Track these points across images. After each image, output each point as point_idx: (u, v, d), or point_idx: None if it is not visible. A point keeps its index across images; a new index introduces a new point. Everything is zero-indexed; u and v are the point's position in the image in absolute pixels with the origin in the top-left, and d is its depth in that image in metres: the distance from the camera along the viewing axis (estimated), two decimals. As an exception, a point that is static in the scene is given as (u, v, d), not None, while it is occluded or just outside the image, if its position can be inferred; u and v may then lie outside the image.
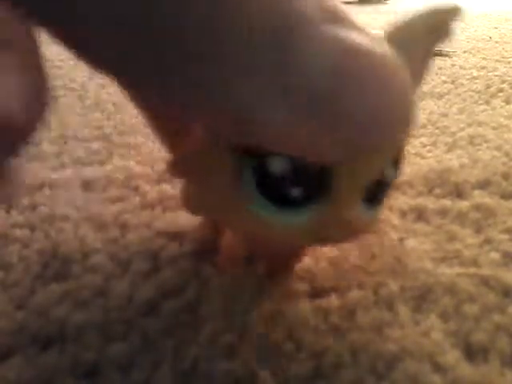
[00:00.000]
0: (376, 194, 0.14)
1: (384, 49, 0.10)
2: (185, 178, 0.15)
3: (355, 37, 0.09)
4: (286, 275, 0.18)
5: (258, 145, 0.11)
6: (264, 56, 0.09)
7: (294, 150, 0.11)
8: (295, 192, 0.13)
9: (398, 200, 0.22)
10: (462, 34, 0.60)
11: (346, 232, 0.14)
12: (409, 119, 0.11)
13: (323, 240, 0.15)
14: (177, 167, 0.14)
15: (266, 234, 0.14)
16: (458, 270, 0.18)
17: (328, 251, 0.19)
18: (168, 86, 0.09)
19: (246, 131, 0.10)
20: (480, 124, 0.31)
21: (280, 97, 0.09)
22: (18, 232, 0.20)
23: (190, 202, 0.15)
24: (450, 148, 0.28)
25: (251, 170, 0.13)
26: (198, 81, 0.09)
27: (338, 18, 0.10)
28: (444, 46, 0.52)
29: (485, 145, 0.28)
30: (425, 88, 0.38)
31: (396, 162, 0.14)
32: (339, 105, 0.09)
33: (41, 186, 0.24)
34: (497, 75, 0.42)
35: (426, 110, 0.34)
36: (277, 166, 0.12)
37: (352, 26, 0.10)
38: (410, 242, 0.19)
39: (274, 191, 0.13)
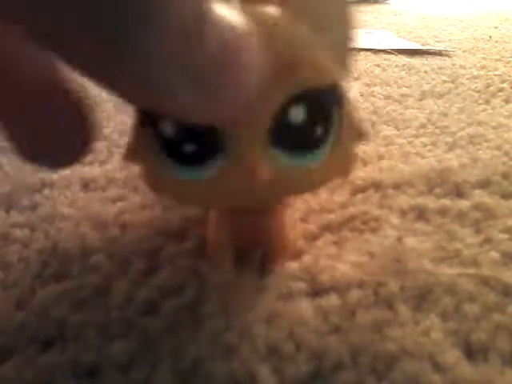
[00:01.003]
0: (291, 137, 0.14)
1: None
2: (131, 161, 0.16)
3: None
4: (281, 254, 0.18)
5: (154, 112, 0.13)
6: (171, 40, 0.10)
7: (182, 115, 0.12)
8: (188, 148, 0.14)
9: (397, 199, 0.22)
10: (462, 33, 0.60)
11: (252, 181, 0.14)
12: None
13: (235, 196, 0.15)
14: (127, 154, 0.16)
15: (185, 198, 0.16)
16: (457, 269, 0.18)
17: (327, 250, 0.19)
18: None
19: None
20: (480, 123, 0.31)
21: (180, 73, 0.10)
22: (18, 232, 0.20)
23: (146, 183, 0.16)
24: (450, 147, 0.28)
25: (155, 138, 0.14)
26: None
27: None
28: (444, 46, 0.52)
29: (485, 144, 0.28)
30: (425, 87, 0.38)
31: (304, 101, 0.14)
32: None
33: (41, 186, 0.24)
34: (497, 75, 0.41)
35: (426, 109, 0.34)
36: (168, 129, 0.14)
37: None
38: (410, 242, 0.19)
39: (173, 152, 0.14)
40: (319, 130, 0.15)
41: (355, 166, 0.16)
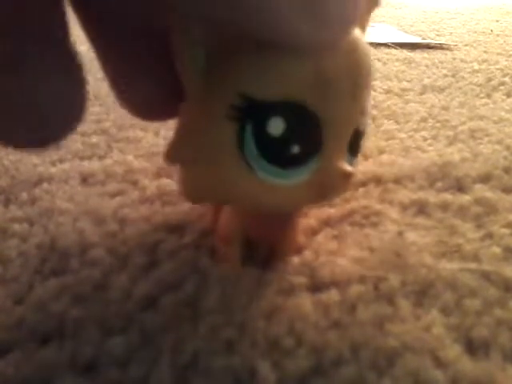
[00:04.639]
0: (353, 143, 0.15)
1: None
2: (181, 162, 0.15)
3: None
4: (286, 251, 0.18)
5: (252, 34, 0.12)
6: None
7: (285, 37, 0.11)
8: (295, 149, 0.13)
9: (398, 194, 0.22)
10: (463, 27, 0.60)
11: (341, 184, 0.15)
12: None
13: (324, 196, 0.15)
14: (173, 151, 0.14)
15: (273, 201, 0.14)
16: (458, 264, 0.18)
17: (327, 245, 0.19)
18: None
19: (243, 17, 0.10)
20: (481, 118, 0.31)
21: None
22: (16, 226, 0.20)
23: (190, 190, 0.15)
24: (451, 142, 0.28)
25: (250, 136, 0.13)
26: None
27: None
28: (445, 40, 0.52)
29: (486, 139, 0.28)
30: (425, 81, 0.38)
31: (364, 114, 0.15)
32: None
33: (39, 181, 0.23)
34: (498, 68, 0.41)
35: (426, 103, 0.34)
36: (276, 126, 0.13)
37: None
38: (411, 236, 0.19)
39: (276, 152, 0.13)
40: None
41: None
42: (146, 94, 0.14)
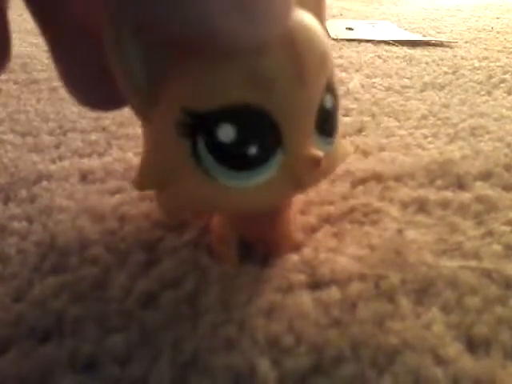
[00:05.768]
0: (324, 123, 0.15)
1: None
2: (150, 188, 0.15)
3: None
4: (282, 247, 0.18)
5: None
6: None
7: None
8: (252, 151, 0.13)
9: (398, 191, 0.22)
10: (463, 24, 0.60)
11: (315, 170, 0.14)
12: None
13: (301, 185, 0.15)
14: (140, 179, 0.15)
15: (249, 204, 0.14)
16: (459, 262, 0.18)
17: (327, 242, 0.19)
18: None
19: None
20: (482, 115, 0.31)
21: None
22: (15, 224, 0.20)
23: (168, 209, 0.15)
24: (452, 139, 0.28)
25: (204, 146, 0.13)
26: None
27: None
28: (445, 37, 0.52)
29: (487, 136, 0.28)
30: (426, 79, 0.38)
31: (330, 90, 0.15)
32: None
33: (39, 178, 0.23)
34: (499, 66, 0.41)
35: (427, 100, 0.34)
36: (226, 132, 0.13)
37: None
38: (411, 234, 0.19)
39: (233, 158, 0.13)
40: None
41: None
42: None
